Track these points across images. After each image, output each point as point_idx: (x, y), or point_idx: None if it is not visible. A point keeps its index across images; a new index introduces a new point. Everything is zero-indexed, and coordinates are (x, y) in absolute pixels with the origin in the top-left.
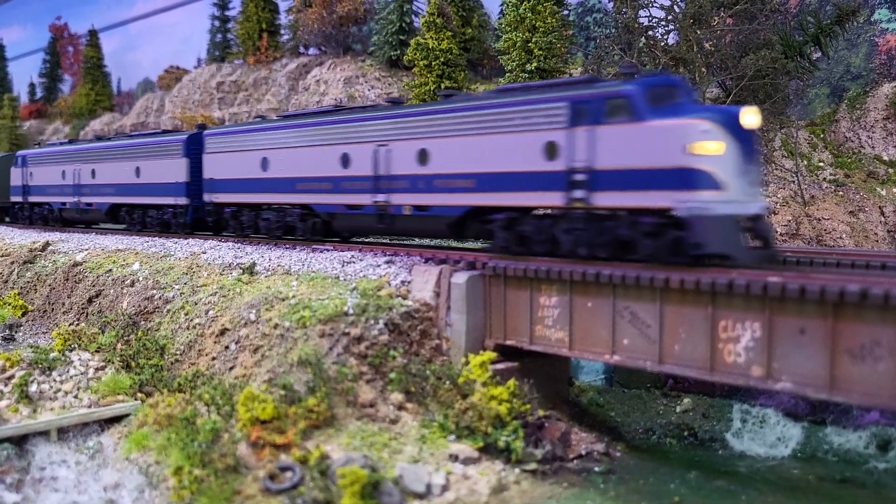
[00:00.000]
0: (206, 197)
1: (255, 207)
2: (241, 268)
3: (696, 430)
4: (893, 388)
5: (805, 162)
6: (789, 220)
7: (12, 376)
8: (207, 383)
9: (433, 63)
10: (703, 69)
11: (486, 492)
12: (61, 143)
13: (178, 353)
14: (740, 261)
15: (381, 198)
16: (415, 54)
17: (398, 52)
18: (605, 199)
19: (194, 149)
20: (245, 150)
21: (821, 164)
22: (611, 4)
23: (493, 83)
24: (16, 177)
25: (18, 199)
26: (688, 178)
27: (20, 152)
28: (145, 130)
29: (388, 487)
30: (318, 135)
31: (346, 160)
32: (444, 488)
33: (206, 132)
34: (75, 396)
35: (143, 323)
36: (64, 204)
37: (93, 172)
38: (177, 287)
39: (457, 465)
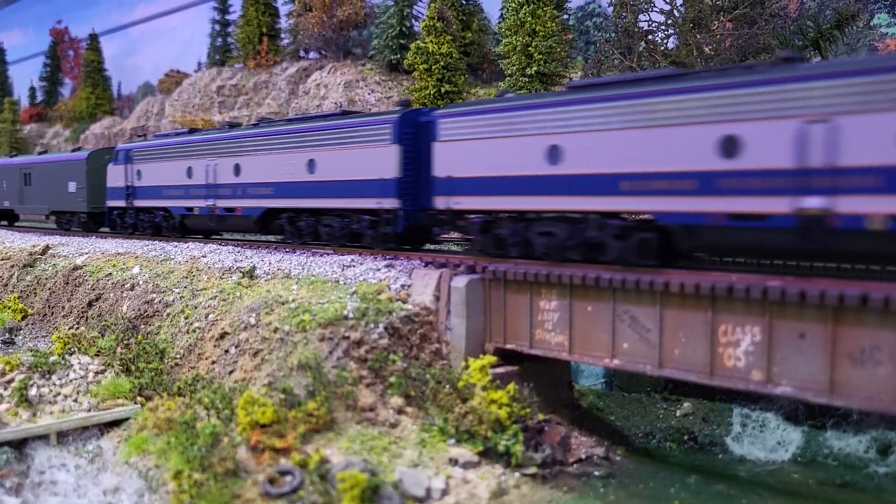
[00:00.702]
0: (440, 201)
1: (522, 216)
2: (241, 271)
3: (696, 434)
4: (893, 392)
5: None
6: None
7: (12, 380)
8: (207, 387)
9: (433, 67)
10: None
11: (486, 496)
12: (178, 134)
13: (177, 356)
14: None
15: (811, 202)
16: (415, 58)
17: (398, 56)
18: None
19: (409, 134)
20: (514, 135)
21: None
22: (611, 9)
23: (493, 87)
24: (115, 176)
25: (119, 203)
26: None
27: (121, 146)
28: (319, 112)
29: (387, 491)
30: (672, 110)
31: (729, 146)
32: (444, 492)
33: (439, 112)
34: (75, 400)
35: (142, 326)
36: (190, 209)
37: (236, 168)
38: (177, 291)
39: (456, 470)
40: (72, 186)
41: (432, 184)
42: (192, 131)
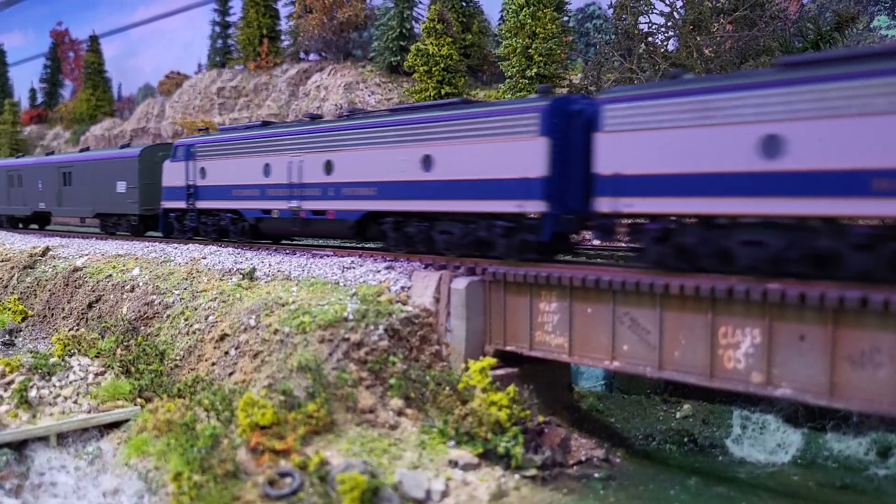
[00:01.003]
0: (605, 203)
1: (710, 222)
2: (241, 273)
3: (696, 436)
4: (893, 394)
5: None
6: None
7: (12, 381)
8: (207, 389)
9: (433, 69)
10: (703, 76)
11: (486, 498)
12: (248, 127)
13: (177, 358)
14: None
15: None
16: (415, 60)
17: (398, 57)
18: None
19: (558, 125)
20: (709, 123)
21: None
22: (611, 11)
23: (493, 89)
24: (174, 174)
25: (178, 204)
26: None
27: (180, 141)
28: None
29: (387, 493)
30: None
31: None
32: (444, 494)
33: (603, 97)
34: (75, 402)
35: (142, 328)
36: (267, 212)
37: (327, 165)
38: (177, 292)
39: (456, 471)
40: (121, 186)
41: (593, 183)
42: (265, 124)
